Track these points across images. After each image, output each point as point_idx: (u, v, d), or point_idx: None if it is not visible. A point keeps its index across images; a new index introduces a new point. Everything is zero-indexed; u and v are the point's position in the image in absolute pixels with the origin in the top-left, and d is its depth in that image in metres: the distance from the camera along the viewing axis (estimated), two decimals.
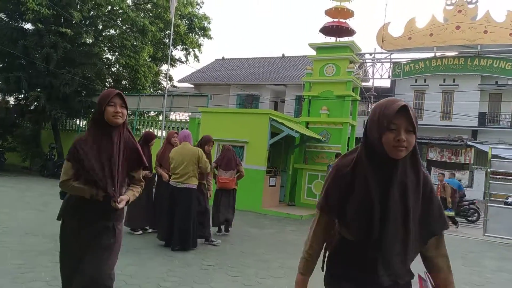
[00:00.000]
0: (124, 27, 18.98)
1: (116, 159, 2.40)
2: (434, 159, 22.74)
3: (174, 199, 5.59)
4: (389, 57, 13.42)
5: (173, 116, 18.47)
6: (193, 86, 28.78)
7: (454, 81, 23.38)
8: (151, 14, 20.30)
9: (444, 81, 23.66)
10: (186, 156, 5.53)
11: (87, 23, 17.70)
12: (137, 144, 2.58)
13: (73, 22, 16.15)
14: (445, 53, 13.20)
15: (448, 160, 22.46)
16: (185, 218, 5.51)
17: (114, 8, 18.75)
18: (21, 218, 6.94)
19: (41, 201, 9.10)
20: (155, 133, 16.42)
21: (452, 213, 10.95)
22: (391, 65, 13.41)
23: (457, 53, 12.97)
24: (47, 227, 6.34)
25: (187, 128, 15.24)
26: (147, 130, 16.37)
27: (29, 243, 5.27)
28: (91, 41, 18.81)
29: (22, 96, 16.95)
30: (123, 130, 2.46)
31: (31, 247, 5.05)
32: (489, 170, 9.78)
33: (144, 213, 6.38)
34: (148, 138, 6.64)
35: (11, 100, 18.01)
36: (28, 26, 16.95)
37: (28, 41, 15.34)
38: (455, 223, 10.92)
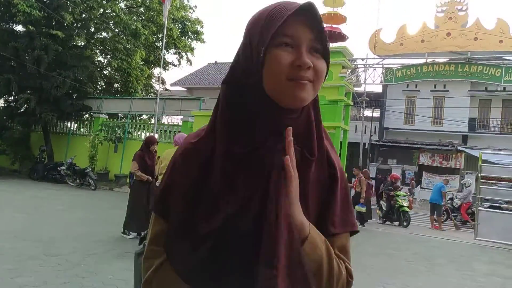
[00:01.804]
0: (116, 30, 18.90)
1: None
2: (426, 163, 22.93)
3: None
4: (381, 62, 13.54)
5: (165, 119, 18.38)
6: (185, 89, 28.70)
7: (444, 87, 23.65)
8: (143, 18, 20.24)
9: (435, 87, 23.91)
10: None
11: (79, 25, 17.59)
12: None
13: (65, 24, 16.03)
14: (436, 59, 13.34)
15: (439, 165, 22.66)
16: None
17: (107, 11, 18.66)
18: (10, 221, 6.82)
19: (30, 205, 8.96)
20: (146, 136, 16.34)
21: (363, 209, 10.75)
22: (383, 71, 13.52)
23: (448, 59, 13.14)
24: (37, 231, 6.23)
25: (179, 132, 15.18)
26: (150, 134, 16.30)
27: (19, 247, 5.17)
28: (83, 43, 18.69)
29: (12, 98, 16.75)
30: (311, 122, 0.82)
31: (20, 251, 4.96)
32: (479, 175, 9.86)
33: (144, 218, 6.28)
34: (149, 143, 6.59)
35: (1, 102, 17.80)
36: (19, 28, 16.82)
37: (18, 43, 15.17)
38: (363, 222, 10.70)
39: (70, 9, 15.90)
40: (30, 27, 15.40)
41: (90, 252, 5.21)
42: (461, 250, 8.26)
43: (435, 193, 11.88)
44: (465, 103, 23.05)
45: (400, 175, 21.43)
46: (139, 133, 16.77)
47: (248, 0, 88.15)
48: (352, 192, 10.96)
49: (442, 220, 11.99)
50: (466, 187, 12.49)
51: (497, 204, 10.20)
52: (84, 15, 17.23)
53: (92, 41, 19.05)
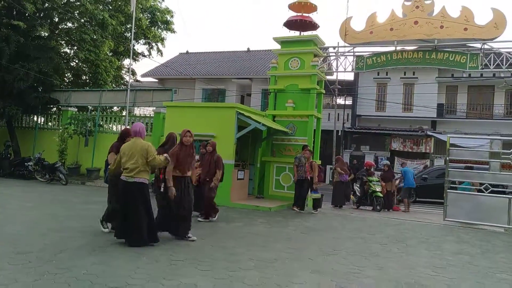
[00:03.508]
0: (82, 20, 18.24)
1: None
2: (397, 149, 23.52)
3: (125, 195, 5.49)
4: (352, 50, 13.66)
5: (137, 111, 18.02)
6: (157, 80, 28.21)
7: (414, 74, 24.24)
8: (110, 7, 19.62)
9: (404, 74, 24.47)
10: (136, 150, 5.44)
11: (41, 15, 16.86)
12: None
13: (26, 14, 15.35)
14: (405, 47, 13.59)
15: (410, 150, 23.29)
16: (138, 214, 5.40)
17: (71, 0, 17.96)
18: None
19: None
20: (117, 129, 15.97)
21: (318, 196, 10.35)
22: (354, 59, 13.66)
23: (416, 47, 13.40)
24: (4, 229, 6.01)
25: (151, 124, 14.92)
26: (126, 127, 15.91)
27: None
28: (46, 34, 17.95)
29: None
30: None
31: None
32: (447, 158, 10.20)
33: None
34: (125, 135, 6.32)
35: None
36: None
37: None
38: (316, 206, 10.40)
39: None
40: None
41: (61, 248, 5.07)
42: (431, 231, 8.56)
43: (411, 178, 12.48)
44: (433, 90, 23.76)
45: (373, 161, 21.94)
46: (110, 125, 16.38)
47: None
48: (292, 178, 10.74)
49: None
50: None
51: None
52: (46, 5, 16.52)
53: (56, 32, 18.33)
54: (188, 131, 6.19)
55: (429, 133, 22.86)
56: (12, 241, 5.30)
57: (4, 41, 14.32)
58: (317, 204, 10.66)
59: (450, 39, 12.62)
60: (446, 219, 9.89)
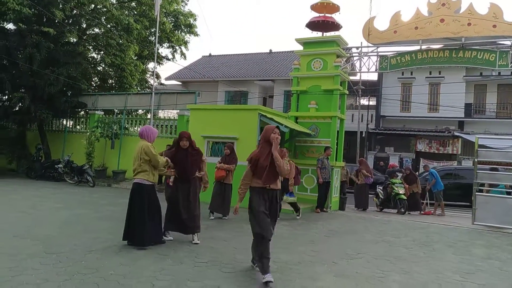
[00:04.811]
0: (108, 26, 18.72)
1: None
2: (423, 150, 22.99)
3: (130, 195, 5.64)
4: (375, 50, 13.46)
5: (161, 114, 18.34)
6: (180, 83, 28.60)
7: (440, 73, 23.64)
8: (135, 12, 20.06)
9: (430, 74, 23.90)
10: (136, 152, 5.58)
11: (70, 22, 17.41)
12: None
13: (56, 21, 15.88)
14: (430, 46, 13.29)
15: (436, 151, 22.73)
16: (138, 213, 5.47)
17: (98, 7, 18.46)
18: (8, 221, 6.82)
19: (28, 204, 8.95)
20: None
21: (293, 199, 9.30)
22: (378, 59, 13.46)
23: (442, 45, 13.08)
24: (36, 229, 6.24)
25: (175, 126, 15.15)
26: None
27: (18, 246, 5.18)
28: (75, 40, 18.53)
29: (6, 97, 16.63)
30: None
31: (19, 250, 4.96)
32: (476, 160, 9.90)
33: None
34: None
35: None
36: (10, 26, 16.66)
37: (9, 41, 15.04)
38: (297, 210, 9.43)
39: (60, 6, 15.72)
40: (20, 25, 15.23)
41: (90, 249, 5.22)
42: (459, 235, 8.33)
43: (440, 180, 12.08)
44: (461, 89, 23.09)
45: (397, 162, 21.54)
46: (136, 128, 16.72)
47: None
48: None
49: None
50: None
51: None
52: (75, 11, 17.05)
53: (84, 37, 18.88)
54: (277, 127, 4.73)
55: (456, 133, 22.24)
56: (43, 241, 5.50)
57: (35, 48, 14.85)
58: (295, 208, 9.50)
59: (478, 37, 12.26)
60: (475, 222, 9.61)
